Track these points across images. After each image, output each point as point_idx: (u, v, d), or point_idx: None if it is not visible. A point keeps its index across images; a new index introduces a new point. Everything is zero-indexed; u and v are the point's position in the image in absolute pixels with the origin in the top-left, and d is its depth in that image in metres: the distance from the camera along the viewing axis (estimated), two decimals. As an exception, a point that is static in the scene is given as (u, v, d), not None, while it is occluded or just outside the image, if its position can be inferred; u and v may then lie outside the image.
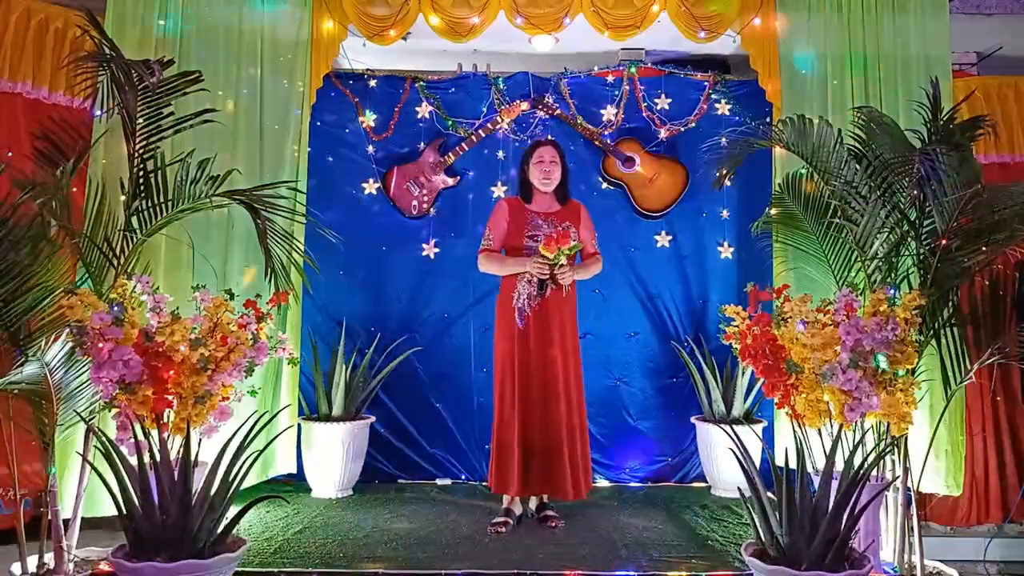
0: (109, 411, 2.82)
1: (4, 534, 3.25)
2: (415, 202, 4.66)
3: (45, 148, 3.24)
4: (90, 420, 2.99)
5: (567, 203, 3.76)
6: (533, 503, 3.70)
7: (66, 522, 3.00)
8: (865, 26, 4.09)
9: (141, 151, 3.19)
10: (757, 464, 2.79)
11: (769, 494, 2.69)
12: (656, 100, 4.75)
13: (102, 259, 3.17)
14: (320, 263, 3.89)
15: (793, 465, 2.63)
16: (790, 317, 2.93)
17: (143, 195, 3.18)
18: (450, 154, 4.66)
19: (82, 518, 3.10)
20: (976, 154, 3.86)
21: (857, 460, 2.93)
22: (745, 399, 4.34)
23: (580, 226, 3.71)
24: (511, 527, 3.51)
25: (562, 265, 3.50)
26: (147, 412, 2.66)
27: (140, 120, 3.17)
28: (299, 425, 4.23)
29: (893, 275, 3.27)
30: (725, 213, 4.69)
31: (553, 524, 3.56)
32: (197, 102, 3.38)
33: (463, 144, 4.66)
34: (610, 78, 4.78)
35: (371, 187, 4.71)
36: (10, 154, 3.42)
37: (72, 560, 2.98)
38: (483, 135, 4.66)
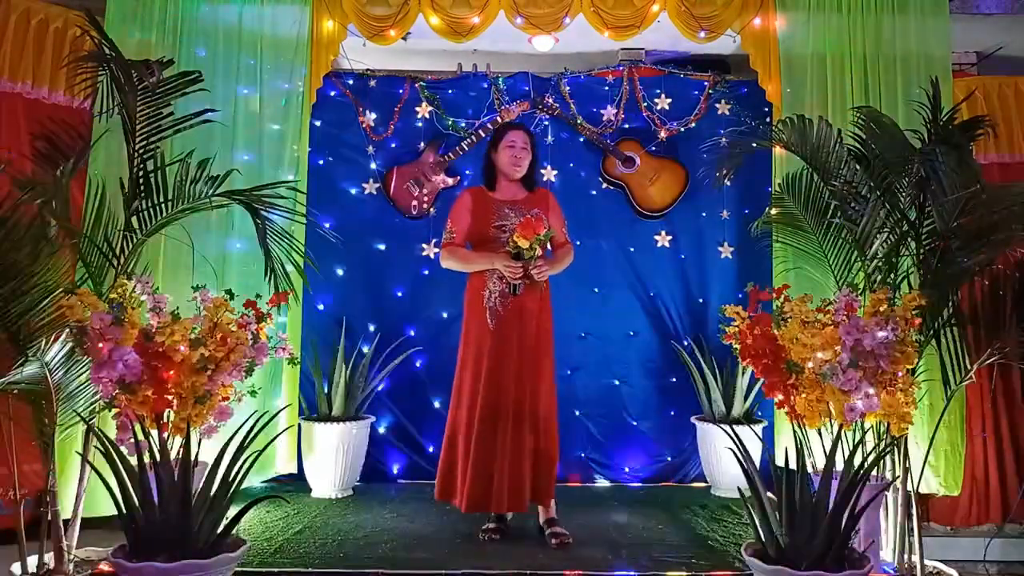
0: (109, 411, 2.82)
1: (4, 534, 3.25)
2: (415, 202, 4.66)
3: (45, 148, 3.24)
4: (90, 420, 2.99)
5: (534, 190, 3.55)
6: (542, 516, 3.44)
7: (66, 522, 3.00)
8: (865, 26, 4.10)
9: (141, 151, 3.19)
10: (757, 464, 2.78)
11: (769, 494, 2.69)
12: (656, 100, 4.75)
13: (102, 259, 3.17)
14: (320, 263, 3.90)
15: (793, 465, 2.63)
16: (790, 317, 2.93)
17: (143, 195, 3.18)
18: (450, 154, 4.66)
19: (82, 518, 3.10)
20: (976, 154, 3.87)
21: (857, 460, 2.93)
22: (745, 399, 4.34)
23: (549, 213, 3.46)
24: (503, 532, 3.41)
25: (537, 257, 3.26)
26: (147, 412, 2.66)
27: (140, 120, 3.17)
28: (299, 425, 4.23)
29: (893, 275, 3.27)
30: (725, 213, 4.69)
31: (561, 541, 3.27)
32: (197, 102, 3.38)
33: (463, 144, 4.66)
34: (610, 78, 4.78)
35: (371, 187, 4.71)
36: (10, 153, 3.42)
37: (72, 560, 2.98)
38: (483, 135, 4.66)
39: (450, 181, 4.69)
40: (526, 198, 3.51)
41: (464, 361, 3.46)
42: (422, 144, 4.71)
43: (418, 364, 4.64)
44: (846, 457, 2.80)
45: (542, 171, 4.65)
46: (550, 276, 3.44)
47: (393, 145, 4.74)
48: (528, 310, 3.38)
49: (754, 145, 3.63)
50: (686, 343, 4.62)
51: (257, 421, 2.71)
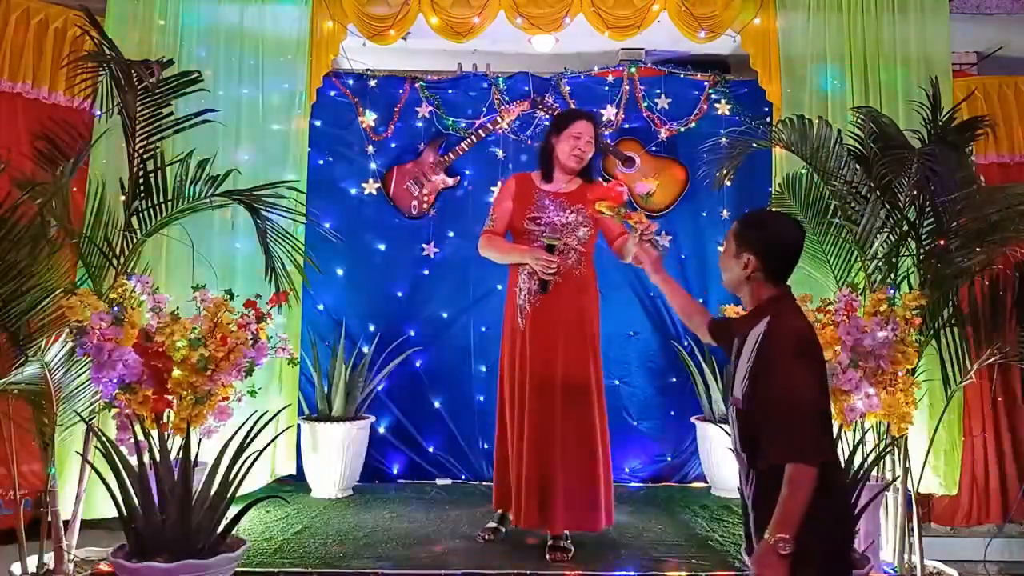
0: (109, 411, 2.82)
1: (4, 534, 3.25)
2: (415, 202, 4.66)
3: (45, 148, 3.25)
4: (90, 420, 2.99)
5: (588, 183, 3.29)
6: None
7: (66, 523, 3.00)
8: (865, 26, 4.09)
9: (141, 151, 3.19)
10: (757, 464, 2.78)
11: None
12: (656, 100, 4.75)
13: (102, 259, 3.17)
14: (320, 263, 3.90)
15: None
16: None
17: (143, 195, 3.18)
18: (450, 154, 4.66)
19: (82, 518, 3.10)
20: (976, 154, 3.87)
21: (857, 460, 2.94)
22: (745, 399, 4.33)
23: (595, 205, 3.09)
24: (502, 534, 3.38)
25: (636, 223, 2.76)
26: (147, 412, 2.67)
27: (140, 120, 3.17)
28: (299, 425, 4.23)
29: (893, 275, 3.27)
30: (725, 213, 4.69)
31: (557, 558, 3.07)
32: (198, 102, 3.38)
33: (463, 144, 4.66)
34: (610, 78, 4.77)
35: (371, 187, 4.71)
36: (10, 153, 3.43)
37: (72, 560, 2.98)
38: (483, 135, 4.66)
39: (450, 181, 4.69)
40: (574, 192, 3.24)
41: (501, 367, 3.30)
42: (422, 144, 4.71)
43: (418, 364, 4.63)
44: (846, 457, 2.81)
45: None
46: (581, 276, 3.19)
47: (393, 145, 4.74)
48: (561, 310, 3.12)
49: (754, 145, 3.62)
50: (686, 343, 4.61)
51: (257, 421, 2.72)
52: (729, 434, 2.12)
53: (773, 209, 3.51)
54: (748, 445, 1.95)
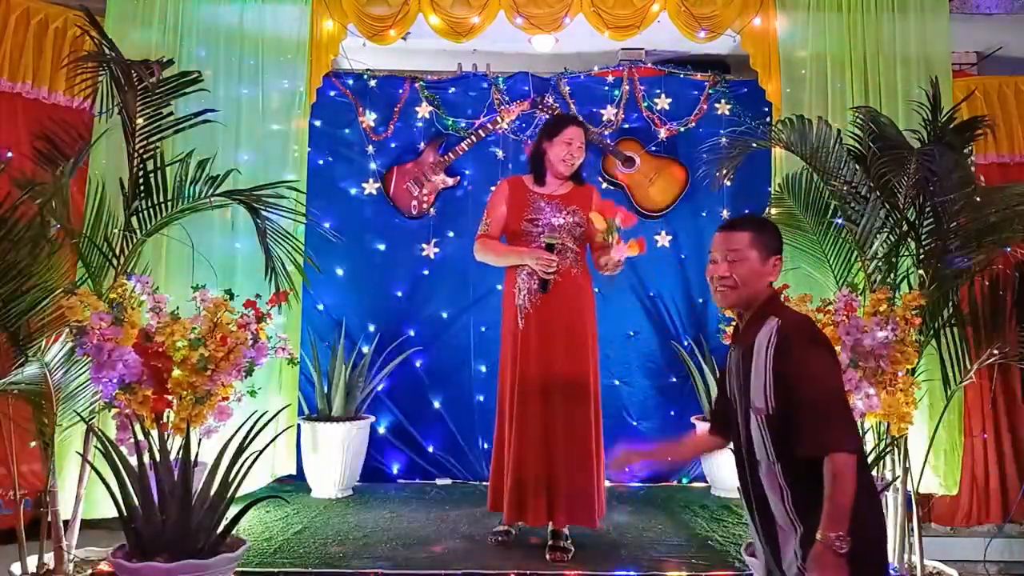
0: (109, 411, 2.82)
1: (4, 534, 3.25)
2: (415, 202, 4.66)
3: (45, 148, 3.25)
4: (90, 420, 2.99)
5: (579, 186, 3.35)
6: (548, 527, 3.23)
7: (66, 523, 3.00)
8: (865, 26, 4.09)
9: (141, 151, 3.19)
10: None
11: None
12: (656, 100, 4.75)
13: (102, 259, 3.17)
14: (320, 263, 3.90)
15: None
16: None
17: (143, 195, 3.18)
18: (450, 154, 4.66)
19: (82, 518, 3.10)
20: (976, 154, 3.86)
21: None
22: (745, 399, 4.33)
23: (589, 213, 3.21)
24: (513, 536, 3.34)
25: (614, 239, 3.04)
26: (147, 412, 2.67)
27: (140, 120, 3.17)
28: (299, 425, 4.23)
29: (893, 275, 3.27)
30: (725, 213, 4.69)
31: (557, 558, 3.09)
32: (198, 102, 3.38)
33: (463, 144, 4.66)
34: (610, 78, 4.78)
35: (371, 187, 4.71)
36: (10, 154, 3.43)
37: (72, 560, 2.98)
38: (483, 135, 4.66)
39: (450, 181, 4.69)
40: (566, 194, 3.30)
41: (502, 367, 3.31)
42: (422, 144, 4.71)
43: (418, 364, 4.63)
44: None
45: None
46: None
47: (393, 145, 4.74)
48: (560, 310, 3.17)
49: (754, 145, 3.62)
50: (686, 343, 4.61)
51: (257, 421, 2.72)
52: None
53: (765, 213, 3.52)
54: (783, 452, 1.84)
